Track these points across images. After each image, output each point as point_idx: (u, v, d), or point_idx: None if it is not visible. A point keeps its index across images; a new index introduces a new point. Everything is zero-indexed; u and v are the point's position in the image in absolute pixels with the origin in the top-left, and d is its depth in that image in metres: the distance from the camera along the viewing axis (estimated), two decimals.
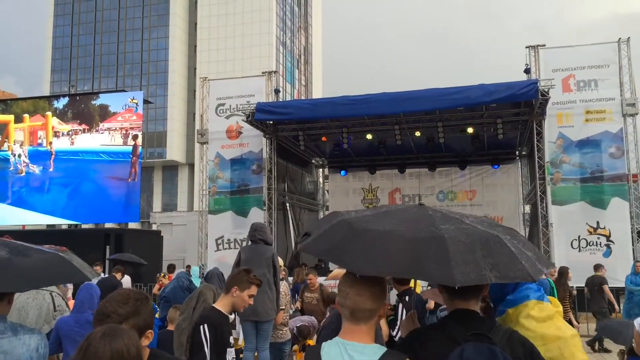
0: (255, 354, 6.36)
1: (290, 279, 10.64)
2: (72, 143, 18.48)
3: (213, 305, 3.71)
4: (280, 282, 6.77)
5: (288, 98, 59.11)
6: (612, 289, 10.16)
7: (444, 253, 1.83)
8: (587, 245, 13.22)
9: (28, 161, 18.57)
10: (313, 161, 20.13)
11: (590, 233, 13.25)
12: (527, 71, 13.77)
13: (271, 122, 15.30)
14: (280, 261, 6.99)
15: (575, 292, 10.39)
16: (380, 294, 1.96)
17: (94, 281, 6.09)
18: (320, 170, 21.20)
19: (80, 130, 18.50)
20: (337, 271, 4.99)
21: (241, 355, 6.20)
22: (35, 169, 18.48)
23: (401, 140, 15.35)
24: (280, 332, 6.91)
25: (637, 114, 13.48)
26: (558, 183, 13.65)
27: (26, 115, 19.06)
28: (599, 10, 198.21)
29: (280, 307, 6.64)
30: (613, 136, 13.41)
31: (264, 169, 15.75)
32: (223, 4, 62.62)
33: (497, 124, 14.14)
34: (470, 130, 14.72)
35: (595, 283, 10.06)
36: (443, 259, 1.82)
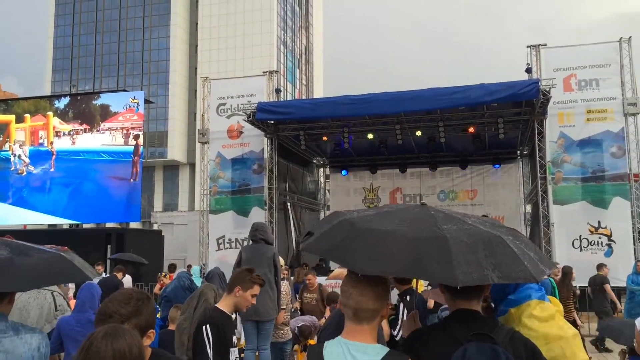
0: (257, 353, 6.36)
1: (292, 278, 10.64)
2: (73, 143, 18.49)
3: (216, 305, 3.71)
4: (282, 281, 6.78)
5: (289, 98, 59.12)
6: (613, 289, 10.12)
7: (446, 253, 1.83)
8: (588, 245, 13.20)
9: (28, 161, 18.60)
10: (314, 161, 20.13)
11: (592, 233, 13.23)
12: (529, 71, 13.74)
13: (272, 122, 15.30)
14: (281, 261, 6.99)
15: (578, 292, 10.38)
16: (383, 294, 1.96)
17: (95, 281, 6.10)
18: (321, 169, 21.21)
19: (81, 130, 18.52)
20: (338, 271, 4.99)
21: (242, 355, 6.20)
22: (33, 169, 18.50)
23: (402, 139, 15.33)
24: (282, 331, 6.92)
25: (638, 113, 13.45)
26: (559, 183, 13.64)
27: (27, 115, 19.09)
28: (600, 10, 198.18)
29: (282, 307, 6.65)
30: (614, 136, 13.39)
31: (265, 169, 15.75)
32: (224, 3, 62.63)
33: (498, 123, 14.12)
34: (471, 129, 14.71)
35: (597, 282, 10.05)
36: (445, 259, 1.82)
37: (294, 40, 70.13)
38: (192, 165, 57.60)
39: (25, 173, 18.60)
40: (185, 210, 44.11)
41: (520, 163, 18.29)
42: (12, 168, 18.74)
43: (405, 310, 4.15)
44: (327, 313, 8.14)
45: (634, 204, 13.21)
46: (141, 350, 1.78)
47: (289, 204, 17.72)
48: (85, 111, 18.82)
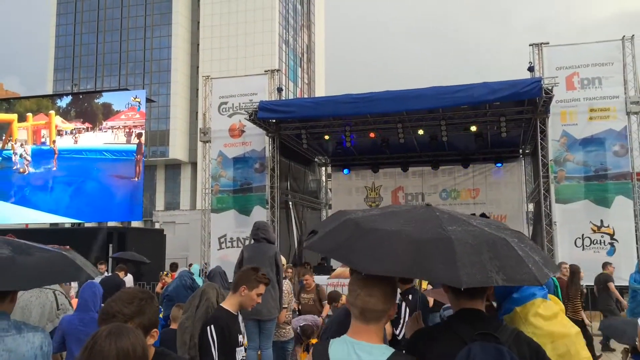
0: (258, 352, 6.36)
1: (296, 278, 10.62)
2: (76, 142, 18.51)
3: (221, 305, 3.69)
4: (283, 280, 6.78)
5: (291, 96, 59.10)
6: (616, 288, 10.12)
7: (451, 254, 1.82)
8: (590, 244, 13.18)
9: (30, 160, 18.62)
10: (316, 159, 20.13)
11: (594, 231, 13.21)
12: (531, 69, 13.71)
13: (274, 121, 15.30)
14: (283, 260, 6.99)
15: (585, 291, 10.36)
16: (391, 295, 1.96)
17: (97, 279, 6.10)
18: (323, 168, 21.21)
19: (83, 128, 18.52)
20: (340, 270, 5.00)
21: (244, 354, 6.20)
22: (32, 169, 18.52)
23: (404, 138, 15.32)
24: (283, 330, 6.92)
25: None
26: (562, 181, 13.62)
27: (29, 114, 19.10)
28: (603, 9, 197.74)
29: (283, 306, 6.65)
30: (617, 134, 13.36)
31: (266, 168, 15.75)
32: (226, 2, 62.61)
33: (500, 122, 14.10)
34: (473, 128, 14.68)
35: (602, 281, 10.03)
36: (449, 259, 1.81)
37: (295, 39, 70.09)
38: (194, 164, 57.70)
39: (27, 172, 18.63)
40: (187, 209, 44.14)
41: (523, 162, 18.26)
42: (15, 167, 18.77)
43: (408, 309, 4.14)
44: (325, 312, 8.13)
45: (637, 202, 13.19)
46: (145, 350, 1.78)
47: (290, 203, 17.72)
48: (87, 110, 18.83)
